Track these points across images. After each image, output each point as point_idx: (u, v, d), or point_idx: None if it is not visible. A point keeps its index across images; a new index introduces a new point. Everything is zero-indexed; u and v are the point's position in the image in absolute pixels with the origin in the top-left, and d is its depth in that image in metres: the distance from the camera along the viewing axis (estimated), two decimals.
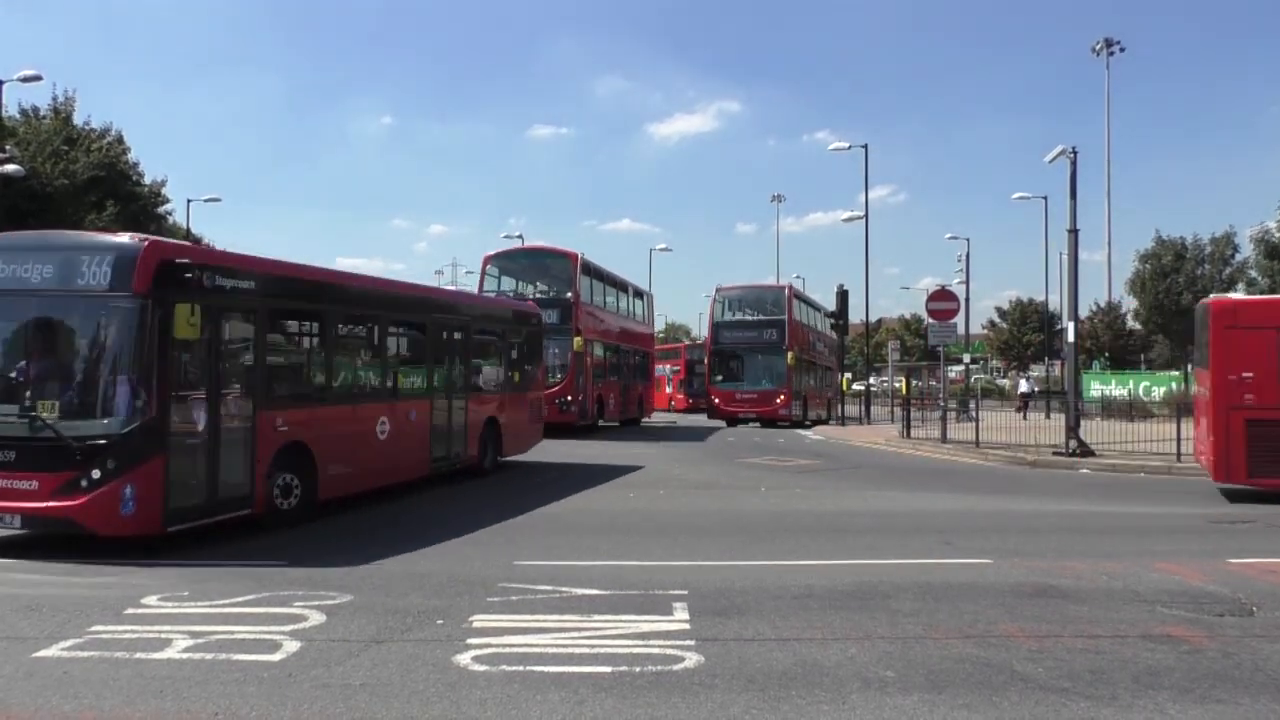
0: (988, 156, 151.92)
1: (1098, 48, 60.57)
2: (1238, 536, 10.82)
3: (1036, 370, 61.90)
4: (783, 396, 31.40)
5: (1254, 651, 5.98)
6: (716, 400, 32.78)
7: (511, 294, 25.28)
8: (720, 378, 32.78)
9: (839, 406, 38.33)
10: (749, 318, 33.74)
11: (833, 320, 35.59)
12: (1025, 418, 32.54)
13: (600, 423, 28.03)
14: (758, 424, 31.82)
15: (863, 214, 35.15)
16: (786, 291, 33.74)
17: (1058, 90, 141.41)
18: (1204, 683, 5.35)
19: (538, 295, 25.50)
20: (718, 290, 34.03)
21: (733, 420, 32.41)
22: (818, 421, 35.08)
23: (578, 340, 24.04)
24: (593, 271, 26.92)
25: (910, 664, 5.64)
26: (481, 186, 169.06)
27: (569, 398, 24.23)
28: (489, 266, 26.15)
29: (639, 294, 33.32)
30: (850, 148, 34.98)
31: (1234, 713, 4.91)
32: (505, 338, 17.42)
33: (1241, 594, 7.55)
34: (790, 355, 31.43)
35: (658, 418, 39.00)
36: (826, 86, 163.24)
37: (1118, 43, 60.07)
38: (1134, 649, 6.00)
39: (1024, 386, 41.78)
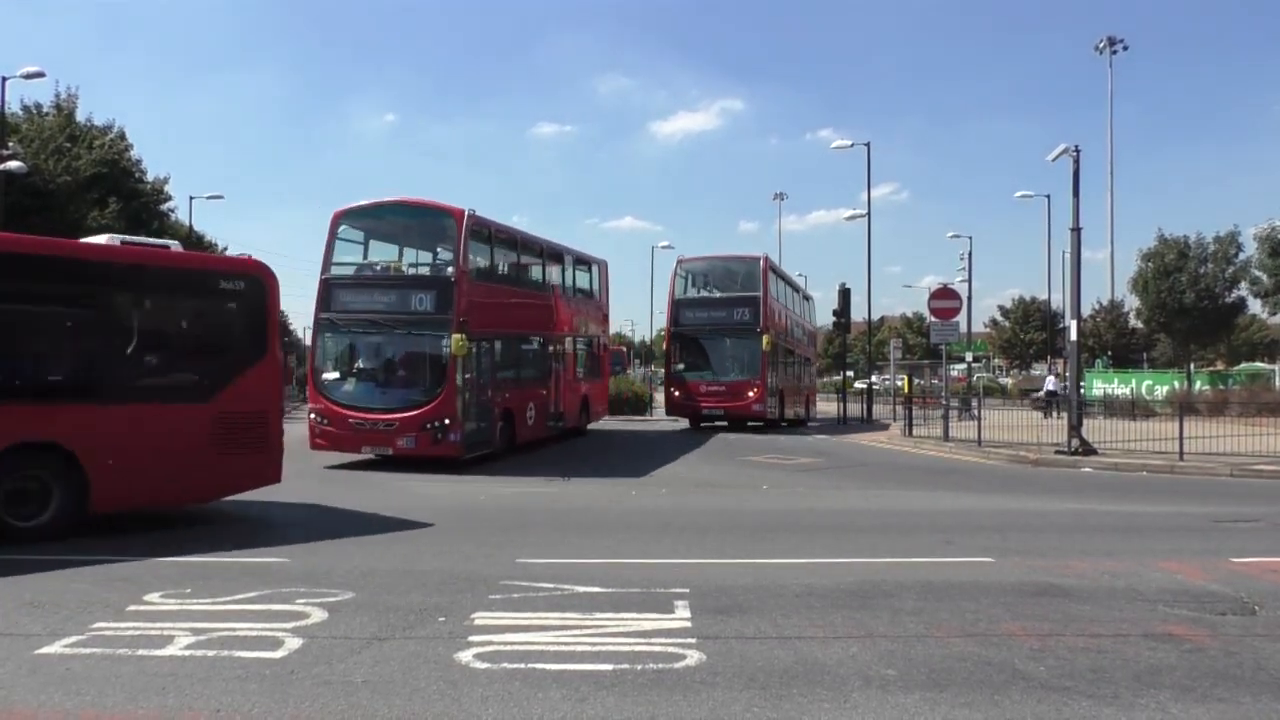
0: (990, 155, 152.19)
1: (1100, 46, 60.40)
2: (1240, 535, 10.81)
3: (1040, 369, 61.84)
4: (756, 389, 26.02)
5: (1256, 651, 5.97)
6: (676, 394, 27.10)
7: (380, 267, 18.66)
8: (681, 367, 27.19)
9: (817, 404, 37.46)
10: (716, 294, 28.43)
11: (836, 317, 35.45)
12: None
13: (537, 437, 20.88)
14: (727, 425, 26.66)
15: (865, 212, 35.10)
16: (761, 263, 27.44)
17: (1060, 89, 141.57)
18: (1205, 681, 5.35)
19: (420, 269, 19.29)
20: (680, 262, 28.30)
21: (696, 418, 27.43)
22: (795, 421, 30.87)
23: (457, 340, 15.98)
24: (491, 236, 18.95)
25: (912, 662, 5.64)
26: (484, 184, 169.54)
27: (445, 421, 16.25)
28: (341, 226, 17.82)
29: (582, 263, 25.48)
30: (853, 146, 34.91)
31: (1236, 712, 4.90)
32: (103, 306, 10.33)
33: (1244, 593, 7.55)
34: (766, 339, 26.21)
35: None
36: (829, 84, 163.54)
37: (1121, 41, 59.90)
38: (1136, 648, 5.99)
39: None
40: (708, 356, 27.26)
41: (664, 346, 27.21)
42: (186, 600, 7.02)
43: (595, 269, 26.45)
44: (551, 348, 22.13)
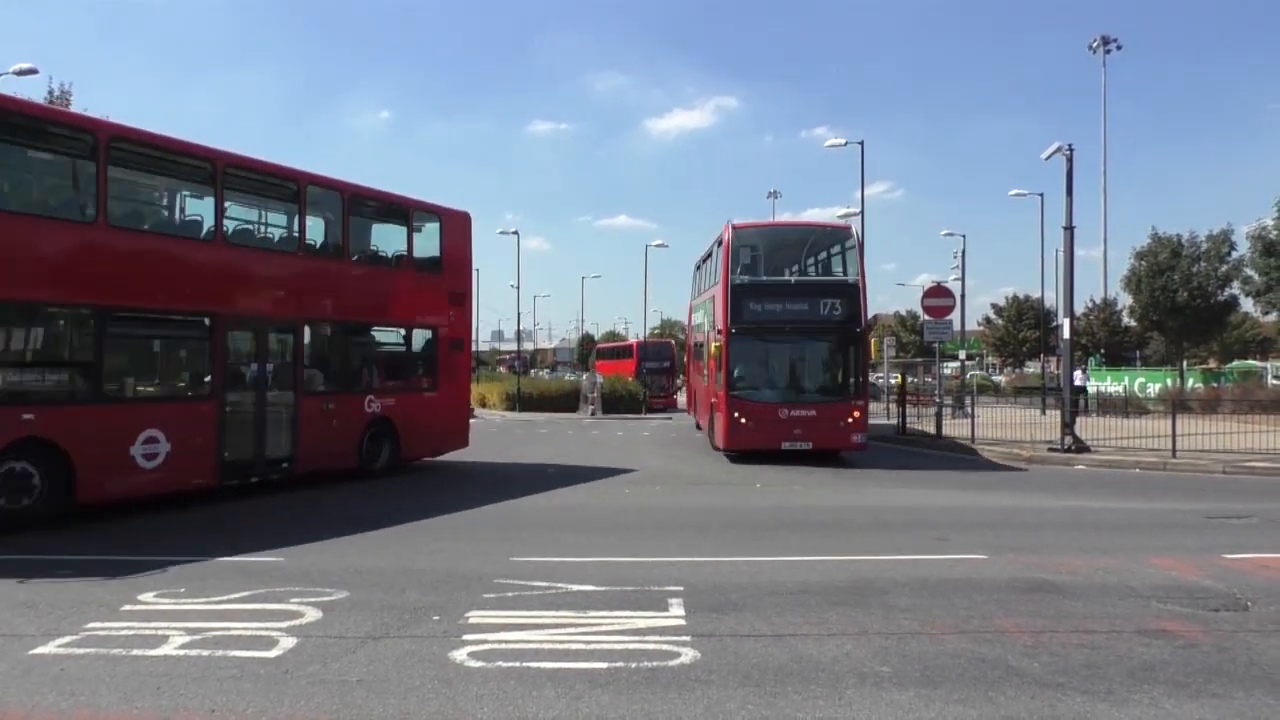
0: (984, 153, 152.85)
1: (1095, 45, 60.66)
2: (1233, 531, 10.85)
3: (1033, 366, 61.89)
4: (856, 414, 18.39)
5: (1249, 646, 5.99)
6: (744, 420, 18.25)
7: None
8: (747, 382, 18.61)
9: None
10: (790, 279, 20.23)
11: None
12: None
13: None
14: (808, 462, 18.02)
15: (859, 210, 35.12)
16: (853, 235, 19.91)
17: (1055, 87, 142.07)
18: (1199, 677, 5.37)
19: None
20: (735, 230, 19.28)
21: (759, 456, 18.46)
22: None
23: None
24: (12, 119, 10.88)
25: (906, 659, 5.65)
26: (479, 182, 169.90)
27: None
28: None
29: (388, 211, 16.48)
30: (847, 144, 34.90)
31: (1228, 707, 4.92)
32: None
33: (1236, 589, 7.58)
34: (875, 345, 19.79)
35: None
36: (824, 83, 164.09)
37: (1115, 40, 60.20)
38: (1129, 644, 6.01)
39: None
40: (786, 368, 19.17)
41: (715, 351, 18.54)
42: (181, 600, 7.01)
43: (434, 226, 17.11)
44: (254, 335, 13.61)
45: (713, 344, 18.46)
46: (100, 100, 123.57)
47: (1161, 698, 5.02)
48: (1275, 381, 46.25)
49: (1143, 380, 43.50)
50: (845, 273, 19.44)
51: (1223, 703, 4.97)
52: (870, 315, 19.78)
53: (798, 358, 19.21)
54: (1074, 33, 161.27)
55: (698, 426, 24.38)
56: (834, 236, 20.54)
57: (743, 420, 18.42)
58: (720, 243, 19.38)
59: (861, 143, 34.40)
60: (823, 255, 20.86)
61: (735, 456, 18.96)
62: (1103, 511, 12.38)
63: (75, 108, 35.05)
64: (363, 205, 15.92)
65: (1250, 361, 62.18)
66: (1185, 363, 53.28)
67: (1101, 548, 9.48)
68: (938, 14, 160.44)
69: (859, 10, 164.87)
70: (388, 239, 16.65)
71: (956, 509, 12.51)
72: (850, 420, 18.41)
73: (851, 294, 18.77)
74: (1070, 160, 21.00)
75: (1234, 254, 46.60)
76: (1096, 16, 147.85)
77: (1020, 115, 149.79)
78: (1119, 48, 60.51)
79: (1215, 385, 41.59)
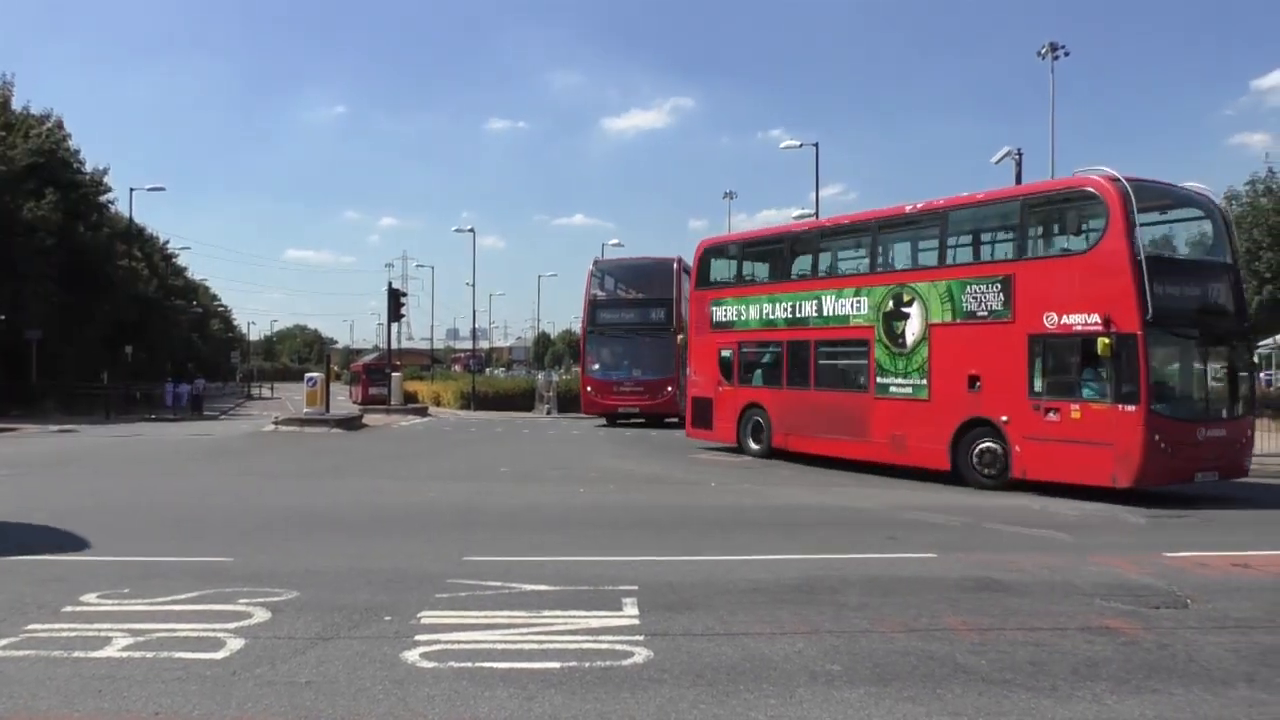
0: (937, 156, 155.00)
1: (1043, 51, 61.58)
2: (1173, 530, 11.11)
3: None
4: (1250, 431, 15.01)
5: (1188, 643, 6.13)
6: (1162, 445, 13.20)
7: None
8: (1162, 392, 13.93)
9: None
10: (1190, 257, 15.33)
11: None
12: None
13: None
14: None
15: (813, 212, 35.41)
16: (1220, 213, 15.58)
17: (1006, 92, 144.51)
18: (1140, 673, 5.48)
19: None
20: (1131, 185, 13.54)
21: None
22: None
23: None
24: None
25: (856, 657, 5.71)
26: (434, 179, 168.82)
27: None
28: None
29: None
30: (801, 146, 35.26)
31: (1168, 702, 5.03)
32: None
33: (1176, 586, 7.75)
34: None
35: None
36: (781, 85, 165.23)
37: (1062, 47, 61.09)
38: (1073, 641, 6.12)
39: None
40: (1194, 374, 14.82)
41: (1104, 350, 13.27)
42: (125, 601, 6.87)
43: None
44: None
45: (1100, 341, 13.29)
46: (43, 91, 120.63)
47: (1104, 694, 5.12)
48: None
49: None
50: (1218, 252, 14.95)
51: (1162, 698, 5.08)
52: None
53: (1202, 360, 14.79)
54: (1024, 38, 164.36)
55: (751, 451, 19.92)
56: (1191, 201, 15.34)
57: (1163, 445, 13.40)
58: (1094, 198, 13.91)
59: (816, 145, 34.77)
60: (1169, 227, 15.87)
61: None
62: (1048, 510, 12.59)
63: (16, 99, 34.20)
64: None
65: None
66: None
67: (1047, 546, 9.66)
68: (892, 18, 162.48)
69: (816, 13, 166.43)
70: None
71: (906, 507, 12.65)
72: (1245, 439, 14.66)
73: (1235, 280, 14.97)
74: (1020, 164, 21.42)
75: None
76: (1046, 22, 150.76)
77: (972, 118, 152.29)
78: (1066, 54, 61.39)
79: None
